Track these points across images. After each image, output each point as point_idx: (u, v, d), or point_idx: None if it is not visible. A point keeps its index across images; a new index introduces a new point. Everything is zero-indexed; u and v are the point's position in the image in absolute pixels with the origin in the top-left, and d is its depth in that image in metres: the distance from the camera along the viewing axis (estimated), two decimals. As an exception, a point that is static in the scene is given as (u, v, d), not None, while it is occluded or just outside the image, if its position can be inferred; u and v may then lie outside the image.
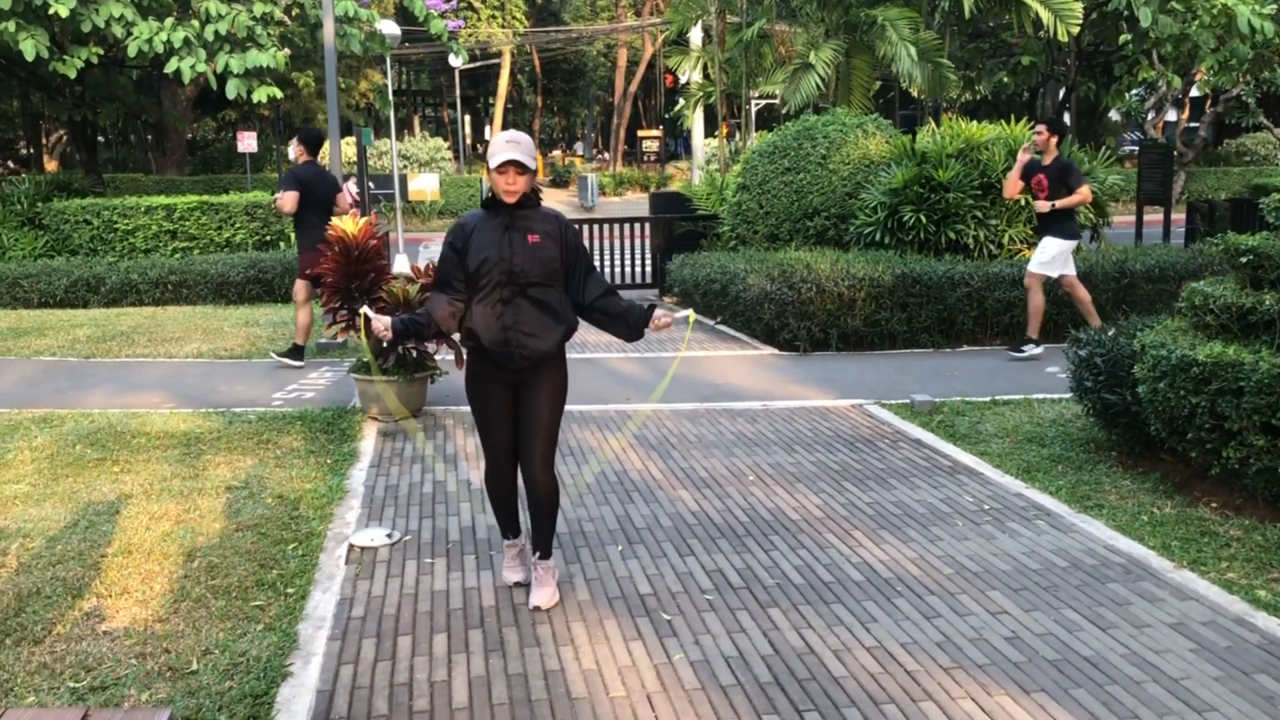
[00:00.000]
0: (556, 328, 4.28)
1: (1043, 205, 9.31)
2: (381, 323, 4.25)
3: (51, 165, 34.90)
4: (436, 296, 4.34)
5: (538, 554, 4.48)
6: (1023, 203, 10.78)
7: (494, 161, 4.14)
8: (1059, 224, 9.36)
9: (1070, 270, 9.50)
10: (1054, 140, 9.46)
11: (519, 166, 4.15)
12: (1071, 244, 9.44)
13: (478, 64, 44.98)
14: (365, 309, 4.33)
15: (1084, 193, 9.25)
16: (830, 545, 5.02)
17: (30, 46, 13.47)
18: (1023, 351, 9.46)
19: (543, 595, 4.41)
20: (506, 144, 4.16)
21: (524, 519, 4.74)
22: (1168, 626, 4.11)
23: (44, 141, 37.30)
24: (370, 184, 24.13)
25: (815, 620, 4.21)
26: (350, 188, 12.25)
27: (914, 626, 4.15)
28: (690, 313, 4.65)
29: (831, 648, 3.98)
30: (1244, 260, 5.51)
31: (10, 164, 36.53)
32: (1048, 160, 9.44)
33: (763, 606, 4.35)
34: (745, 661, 3.88)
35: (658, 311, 4.34)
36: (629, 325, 4.37)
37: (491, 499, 4.60)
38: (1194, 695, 3.59)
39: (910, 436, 6.94)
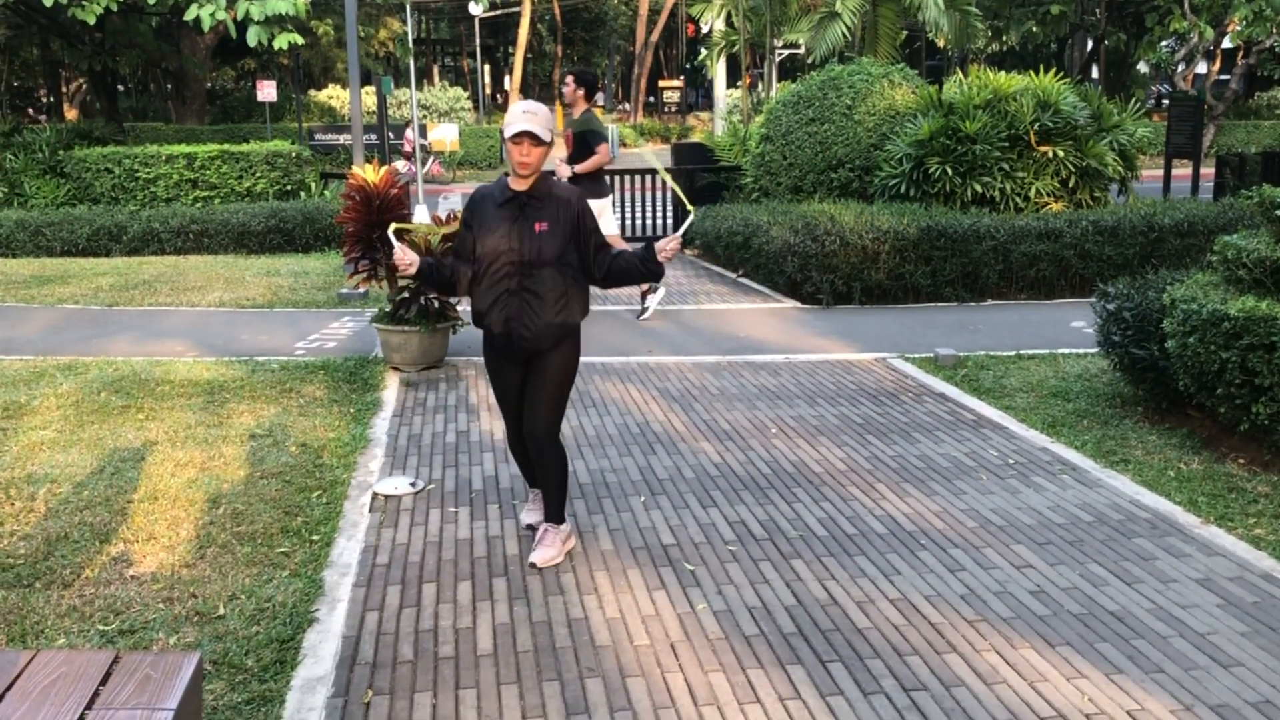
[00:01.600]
0: (558, 317, 4.23)
1: (564, 170, 8.67)
2: (407, 257, 4.20)
3: (72, 114, 34.88)
4: (459, 262, 4.34)
5: (545, 518, 4.46)
6: (1051, 155, 10.63)
7: (509, 131, 4.09)
8: (585, 185, 8.65)
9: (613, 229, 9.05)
10: (581, 93, 8.73)
11: (534, 139, 4.10)
12: (605, 201, 8.91)
13: (498, 12, 44.56)
14: (392, 227, 4.27)
15: (602, 152, 8.66)
16: (853, 498, 5.01)
17: (50, -8, 13.39)
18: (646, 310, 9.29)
19: (541, 554, 4.36)
20: (523, 114, 4.11)
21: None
22: (1194, 582, 4.09)
23: (64, 90, 37.24)
24: (390, 134, 24.01)
25: (839, 572, 4.21)
26: (409, 134, 12.20)
27: (938, 579, 4.14)
28: (691, 215, 4.71)
29: (855, 599, 3.98)
30: (1279, 213, 5.41)
31: (31, 112, 36.55)
32: (576, 114, 8.80)
33: (785, 558, 4.34)
34: (769, 612, 3.88)
35: (658, 244, 4.30)
36: (644, 272, 4.36)
37: (513, 456, 4.69)
38: (1220, 650, 3.58)
39: (934, 390, 6.90)
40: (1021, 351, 7.85)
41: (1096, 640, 3.65)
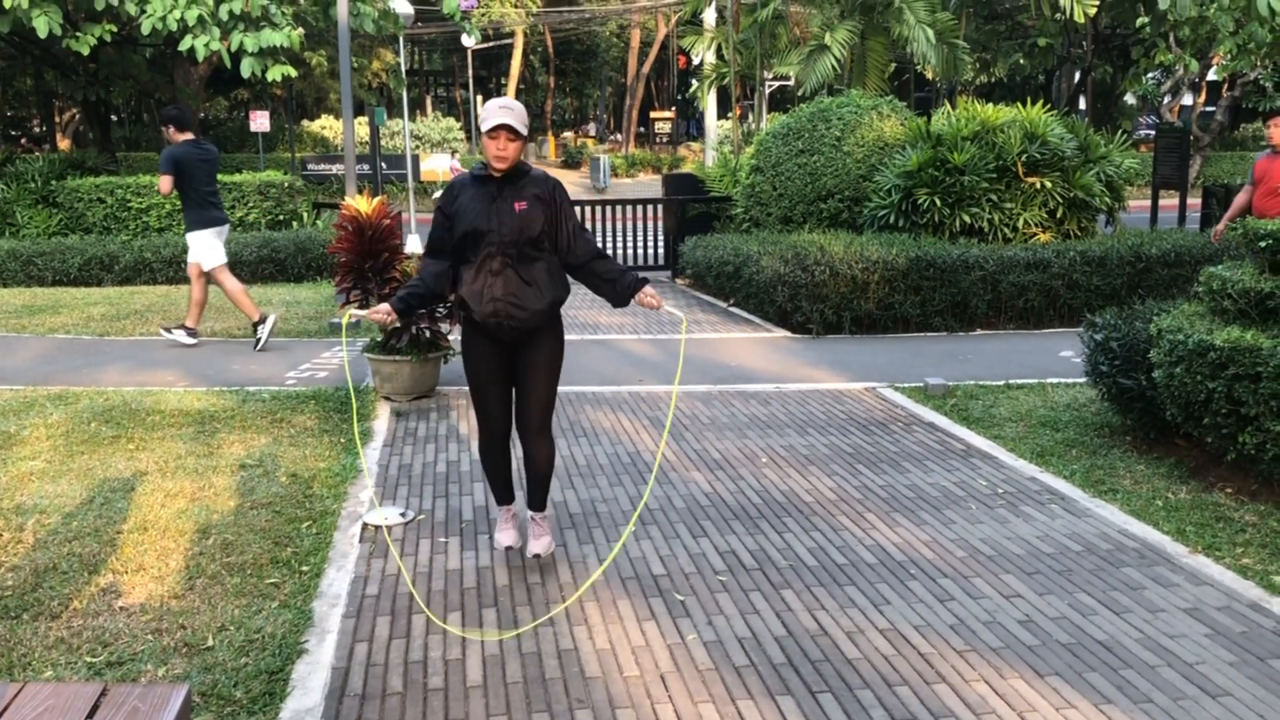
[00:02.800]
0: (544, 297, 4.30)
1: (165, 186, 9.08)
2: (380, 311, 4.24)
3: (64, 144, 34.95)
4: (428, 263, 4.39)
5: (532, 510, 4.59)
6: (1038, 186, 10.72)
7: (486, 125, 4.17)
8: (188, 215, 9.31)
9: (220, 260, 9.38)
10: (172, 130, 9.18)
11: (510, 131, 4.17)
12: (208, 231, 9.31)
13: (490, 44, 44.86)
14: (351, 310, 4.30)
15: (160, 183, 9.04)
16: (843, 527, 5.02)
17: (44, 23, 13.46)
18: (172, 334, 9.42)
19: (540, 544, 4.54)
20: (499, 109, 4.18)
21: (518, 487, 4.80)
22: (1182, 611, 4.10)
23: (57, 120, 37.34)
24: (383, 164, 24.12)
25: (828, 602, 4.22)
26: (454, 164, 12.30)
27: (927, 609, 4.15)
28: (684, 320, 4.74)
29: (845, 629, 3.98)
30: (1263, 245, 5.46)
31: (24, 142, 36.61)
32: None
33: (776, 588, 4.35)
34: (759, 642, 3.88)
35: (649, 288, 4.36)
36: (616, 291, 4.42)
37: (486, 468, 4.67)
38: (1209, 680, 3.59)
39: (923, 420, 6.93)
40: (1010, 381, 7.89)
41: (1085, 670, 3.66)
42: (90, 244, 14.02)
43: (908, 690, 3.54)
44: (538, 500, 4.59)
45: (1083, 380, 7.69)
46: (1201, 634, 3.92)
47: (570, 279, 4.48)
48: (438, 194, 25.29)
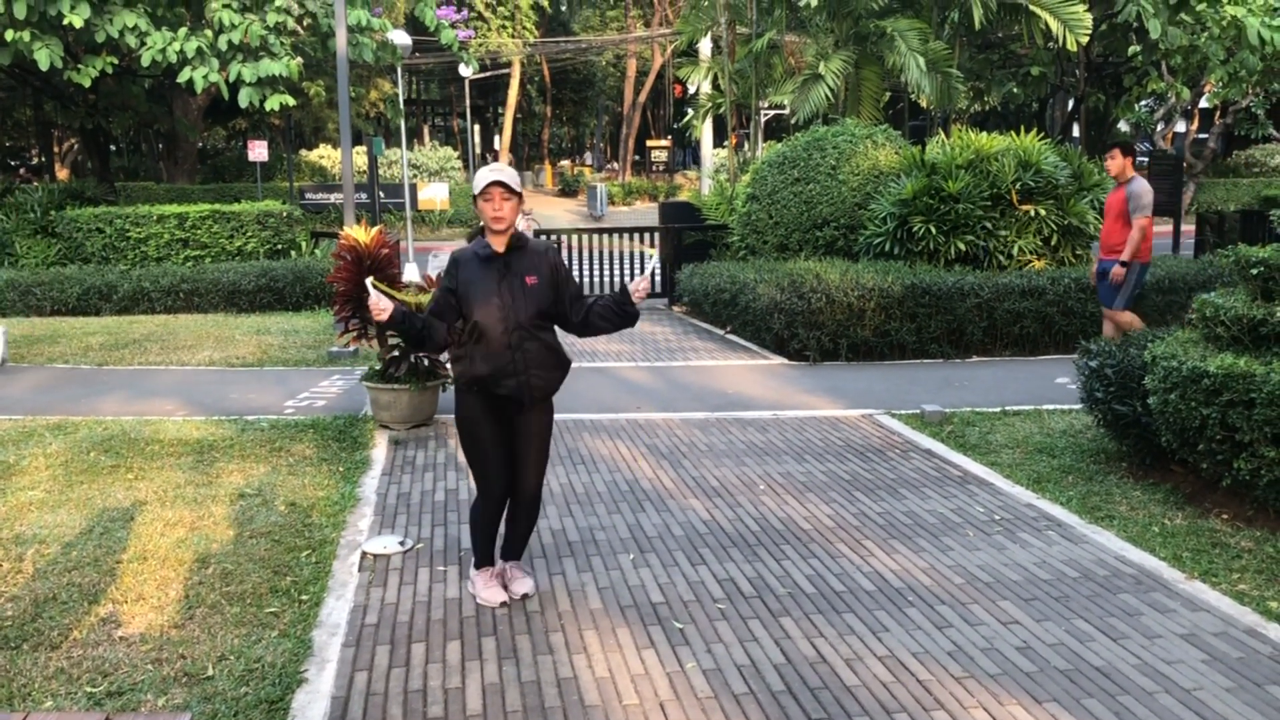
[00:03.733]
0: (560, 367, 4.44)
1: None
2: (381, 303, 4.20)
3: (63, 174, 35.10)
4: (436, 323, 4.39)
5: (512, 560, 4.70)
6: (1033, 214, 10.79)
7: (478, 187, 4.23)
8: None
9: None
10: None
11: (504, 189, 4.24)
12: None
13: (488, 74, 45.15)
14: (370, 280, 4.34)
15: None
16: (842, 555, 5.04)
17: (45, 56, 13.58)
18: None
19: (527, 584, 4.63)
20: (490, 171, 4.29)
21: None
22: (1179, 637, 4.12)
23: (56, 150, 37.51)
24: (380, 193, 24.22)
25: (827, 629, 4.23)
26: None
27: (925, 636, 4.16)
28: (654, 259, 4.94)
29: (844, 656, 3.99)
30: (1255, 272, 5.51)
31: (23, 172, 36.75)
32: None
33: (775, 615, 4.36)
34: (757, 670, 3.89)
35: (630, 285, 4.41)
36: (621, 315, 4.46)
37: (480, 530, 4.59)
38: (1206, 706, 3.60)
39: (920, 447, 6.95)
40: (1007, 408, 7.92)
41: (1083, 696, 3.67)
42: (89, 274, 14.07)
43: (906, 717, 3.55)
44: (518, 551, 4.73)
45: (1079, 407, 7.71)
46: (1199, 660, 3.93)
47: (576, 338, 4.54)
48: (436, 220, 25.65)
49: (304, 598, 4.59)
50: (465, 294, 4.31)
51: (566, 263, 4.65)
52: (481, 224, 4.40)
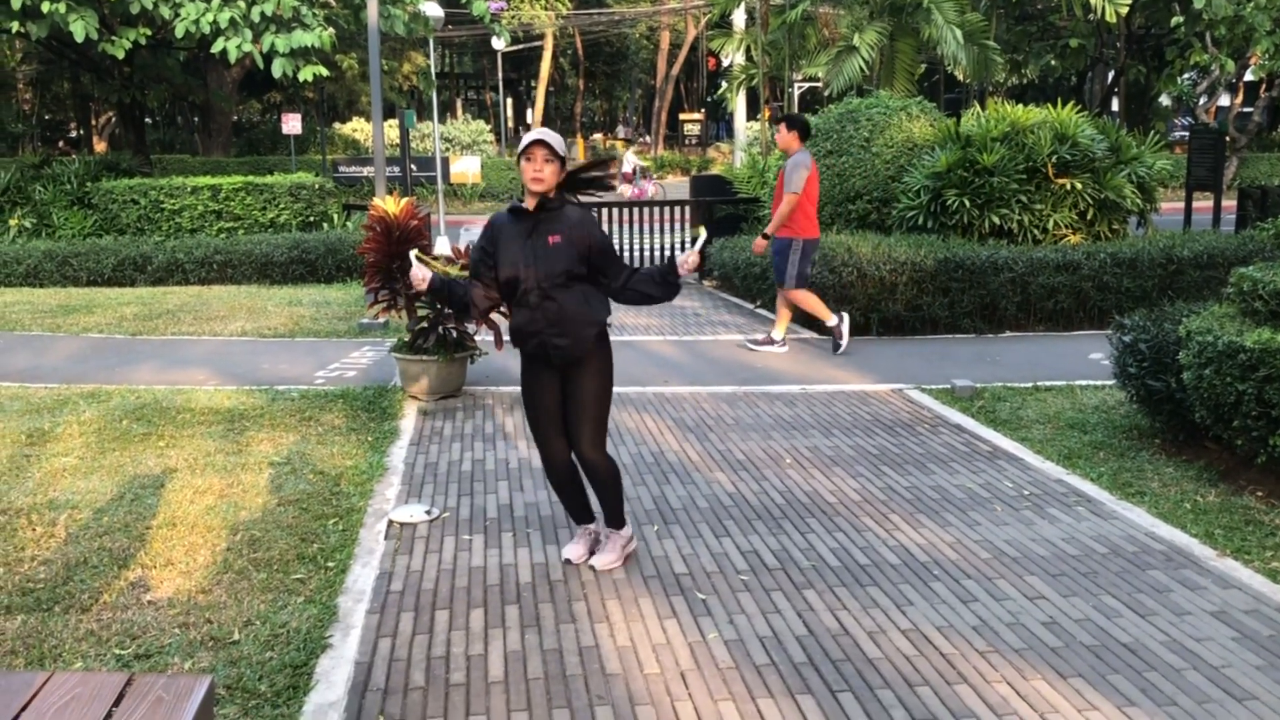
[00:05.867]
0: (587, 326, 4.36)
1: None
2: (421, 273, 4.31)
3: (101, 146, 35.41)
4: (474, 283, 4.49)
5: (607, 525, 4.68)
6: (1069, 188, 10.64)
7: (522, 146, 4.27)
8: None
9: None
10: None
11: (547, 149, 4.25)
12: None
13: (520, 46, 45.03)
14: (414, 252, 4.40)
15: None
16: (867, 528, 5.01)
17: (80, 28, 13.64)
18: None
19: (604, 559, 4.61)
20: (535, 132, 4.30)
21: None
22: (1209, 614, 4.06)
23: (94, 123, 37.86)
24: (413, 166, 24.26)
25: (850, 602, 4.21)
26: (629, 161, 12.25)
27: (950, 610, 4.13)
28: (702, 235, 4.75)
29: (866, 630, 3.97)
30: (1294, 245, 5.40)
31: (61, 145, 37.13)
32: None
33: (798, 588, 4.34)
34: (779, 642, 3.88)
35: (680, 258, 4.39)
36: (663, 285, 4.45)
37: (557, 492, 4.68)
38: (1235, 684, 3.55)
39: (950, 422, 6.89)
40: (1039, 383, 7.83)
41: (1109, 672, 3.64)
42: (124, 245, 14.19)
43: (929, 690, 3.53)
44: (609, 515, 4.63)
45: (1112, 383, 7.62)
46: (1228, 637, 3.88)
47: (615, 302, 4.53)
48: (469, 194, 25.97)
49: (330, 565, 4.62)
50: (497, 256, 4.37)
51: None
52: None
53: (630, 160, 35.17)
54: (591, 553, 4.69)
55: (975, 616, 4.08)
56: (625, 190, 33.19)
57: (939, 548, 4.77)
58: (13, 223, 15.34)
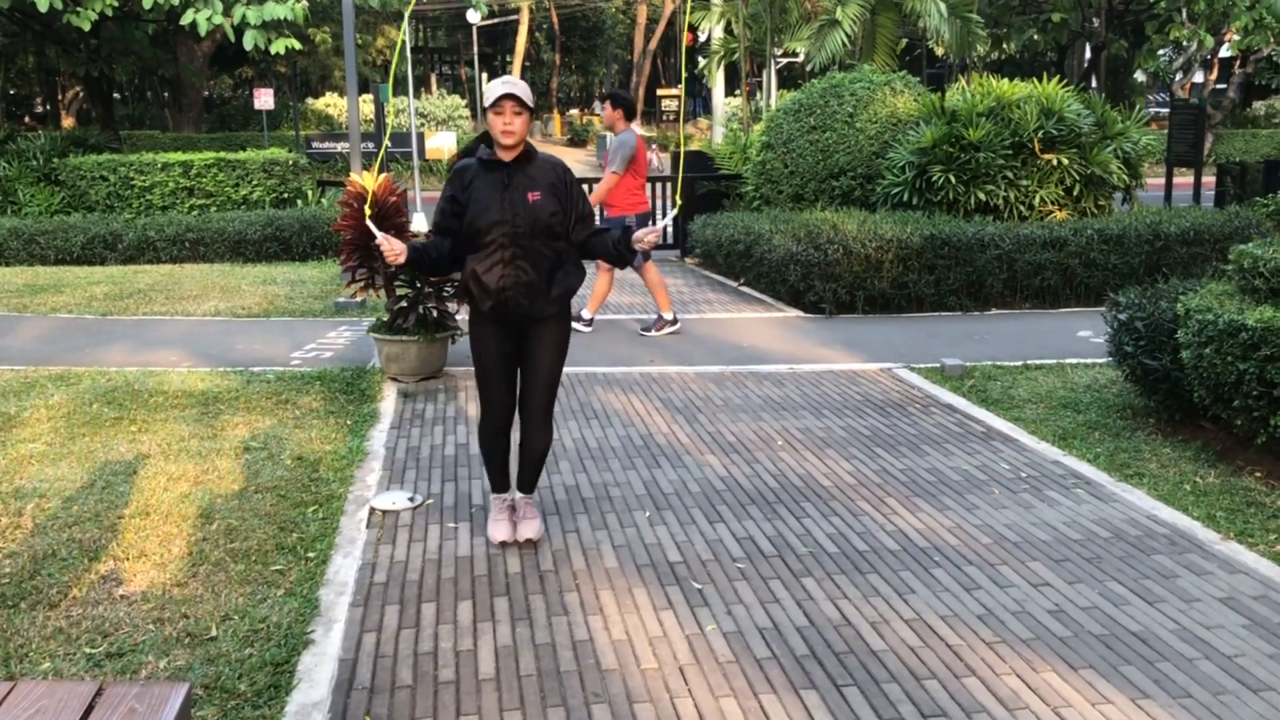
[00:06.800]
0: (555, 287, 4.25)
1: None
2: (394, 246, 4.15)
3: (68, 122, 34.78)
4: (436, 239, 4.33)
5: (522, 492, 4.60)
6: (1055, 163, 10.53)
7: (489, 98, 4.10)
8: None
9: None
10: None
11: (516, 102, 4.10)
12: None
13: (496, 20, 44.52)
14: (379, 235, 4.20)
15: None
16: (864, 513, 4.88)
17: (44, -1, 13.29)
18: None
19: (530, 527, 4.54)
20: (503, 83, 4.12)
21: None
22: (1218, 601, 3.96)
23: (60, 98, 37.16)
24: (388, 142, 23.89)
25: (851, 591, 4.08)
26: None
27: (953, 598, 4.02)
28: (673, 212, 4.83)
29: (869, 619, 3.85)
30: (1296, 222, 5.29)
31: (27, 120, 36.45)
32: None
33: (796, 576, 4.21)
34: (780, 633, 3.75)
35: (637, 234, 4.27)
36: (615, 255, 4.36)
37: (484, 453, 4.59)
38: (1249, 674, 3.45)
39: (941, 401, 6.78)
40: (1029, 362, 7.73)
41: (1120, 663, 3.53)
42: (93, 222, 13.88)
43: (936, 684, 3.41)
44: (528, 483, 4.59)
45: (1102, 361, 7.53)
46: (1239, 625, 3.78)
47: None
48: (446, 170, 25.74)
49: (311, 555, 4.45)
50: (467, 204, 4.18)
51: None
52: (477, 137, 4.26)
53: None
54: (513, 525, 4.59)
55: (980, 605, 3.96)
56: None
57: (938, 533, 4.65)
58: (-23, 200, 14.98)
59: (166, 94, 29.16)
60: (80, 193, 15.04)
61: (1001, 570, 4.26)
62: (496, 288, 4.16)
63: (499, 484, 4.64)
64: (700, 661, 3.57)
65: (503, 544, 4.55)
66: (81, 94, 31.80)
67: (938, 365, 7.62)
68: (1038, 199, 10.57)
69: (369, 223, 4.36)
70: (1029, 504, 4.99)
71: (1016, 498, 5.07)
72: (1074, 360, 7.77)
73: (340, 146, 26.78)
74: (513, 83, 4.12)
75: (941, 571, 4.25)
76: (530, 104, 4.12)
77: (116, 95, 32.42)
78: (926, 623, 3.82)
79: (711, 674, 3.49)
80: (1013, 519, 4.80)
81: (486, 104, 4.12)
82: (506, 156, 4.19)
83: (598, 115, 52.19)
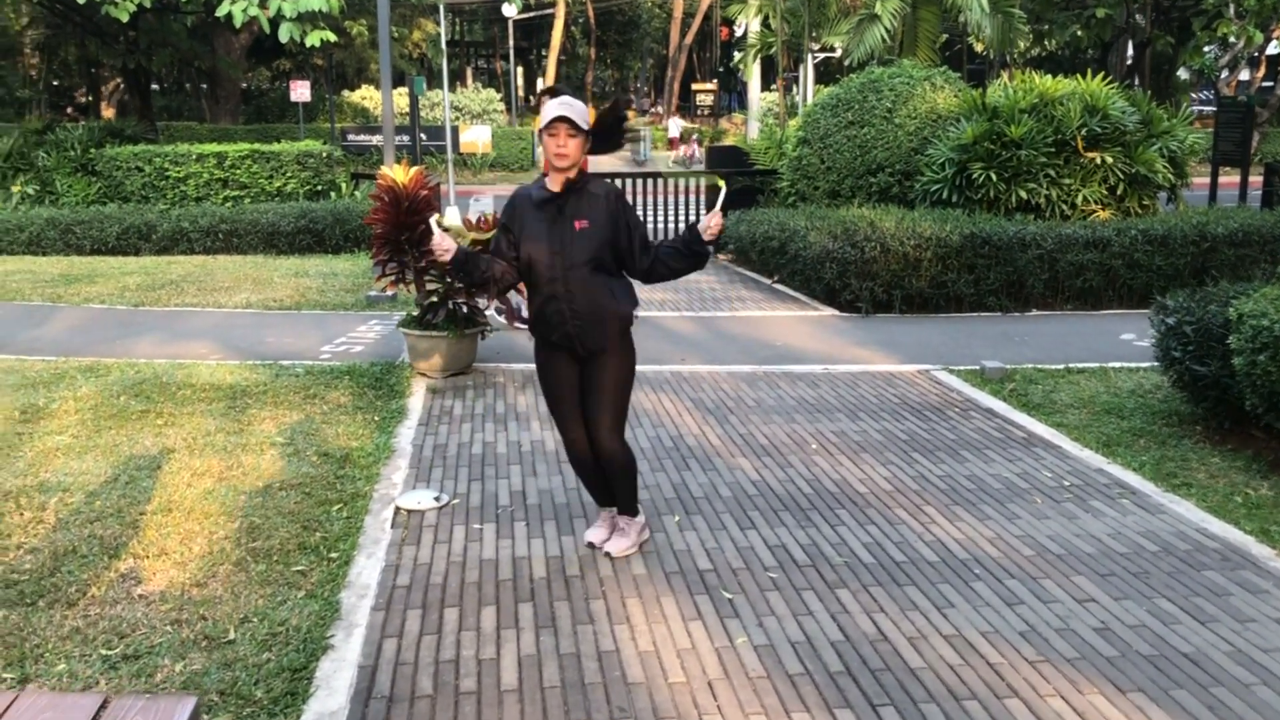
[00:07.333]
0: (613, 319, 4.15)
1: None
2: (445, 243, 4.12)
3: (109, 113, 35.08)
4: (495, 260, 4.25)
5: (619, 511, 4.48)
6: (1099, 161, 10.29)
7: (544, 121, 4.00)
8: None
9: None
10: None
11: (570, 125, 3.99)
12: None
13: (532, 14, 44.47)
14: (435, 218, 4.19)
15: None
16: (901, 521, 4.73)
17: (82, -10, 13.32)
18: None
19: (615, 545, 4.41)
20: (558, 104, 4.01)
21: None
22: (1275, 622, 3.78)
23: (102, 89, 37.48)
24: (422, 135, 23.89)
25: (888, 604, 3.94)
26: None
27: (994, 613, 3.86)
28: (723, 191, 4.51)
29: (906, 635, 3.70)
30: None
31: (69, 111, 36.79)
32: None
33: (830, 587, 4.07)
34: (813, 647, 3.61)
35: (701, 224, 4.15)
36: (690, 255, 4.22)
37: (578, 476, 4.55)
38: (1308, 700, 3.28)
39: (981, 405, 6.60)
40: (1070, 365, 7.53)
41: (1171, 687, 3.36)
42: (128, 213, 13.92)
43: (977, 705, 3.26)
44: (622, 501, 4.44)
45: (1147, 365, 7.33)
46: (1296, 647, 3.60)
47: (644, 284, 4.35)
48: (478, 164, 25.96)
49: (333, 555, 4.36)
50: (519, 236, 4.12)
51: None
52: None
53: (677, 124, 35.82)
54: (608, 534, 4.50)
55: (1022, 620, 3.81)
56: (676, 153, 33.86)
57: (978, 543, 4.49)
58: (15, 189, 15.07)
59: (205, 86, 29.31)
60: (116, 183, 15.09)
61: (1044, 584, 4.10)
62: (555, 321, 4.10)
63: (600, 499, 4.55)
64: (730, 676, 3.44)
65: (590, 545, 4.46)
66: (121, 86, 32.05)
67: (977, 367, 7.44)
68: (1080, 198, 10.33)
69: (435, 224, 4.27)
70: (1072, 514, 4.82)
71: (1059, 507, 4.90)
72: (1117, 364, 7.56)
73: (375, 139, 26.79)
74: (568, 104, 3.99)
75: (982, 585, 4.10)
76: (585, 126, 4.00)
77: (155, 87, 32.64)
78: (966, 639, 3.68)
79: (741, 689, 3.36)
80: (1056, 530, 4.64)
81: (542, 125, 4.00)
82: (557, 183, 4.07)
83: (633, 110, 52.04)
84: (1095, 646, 3.62)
